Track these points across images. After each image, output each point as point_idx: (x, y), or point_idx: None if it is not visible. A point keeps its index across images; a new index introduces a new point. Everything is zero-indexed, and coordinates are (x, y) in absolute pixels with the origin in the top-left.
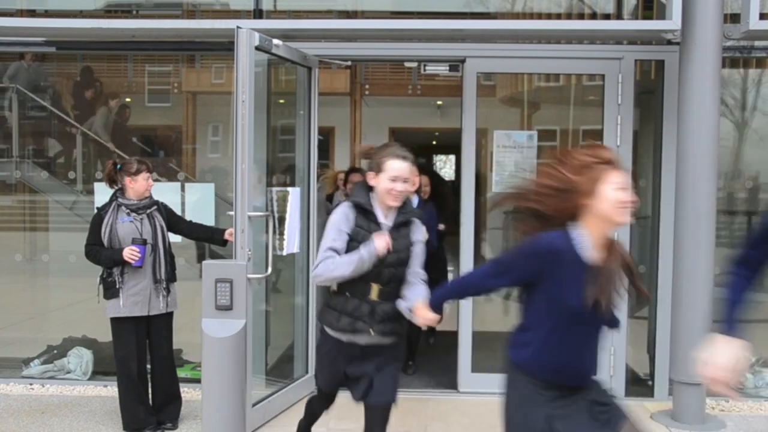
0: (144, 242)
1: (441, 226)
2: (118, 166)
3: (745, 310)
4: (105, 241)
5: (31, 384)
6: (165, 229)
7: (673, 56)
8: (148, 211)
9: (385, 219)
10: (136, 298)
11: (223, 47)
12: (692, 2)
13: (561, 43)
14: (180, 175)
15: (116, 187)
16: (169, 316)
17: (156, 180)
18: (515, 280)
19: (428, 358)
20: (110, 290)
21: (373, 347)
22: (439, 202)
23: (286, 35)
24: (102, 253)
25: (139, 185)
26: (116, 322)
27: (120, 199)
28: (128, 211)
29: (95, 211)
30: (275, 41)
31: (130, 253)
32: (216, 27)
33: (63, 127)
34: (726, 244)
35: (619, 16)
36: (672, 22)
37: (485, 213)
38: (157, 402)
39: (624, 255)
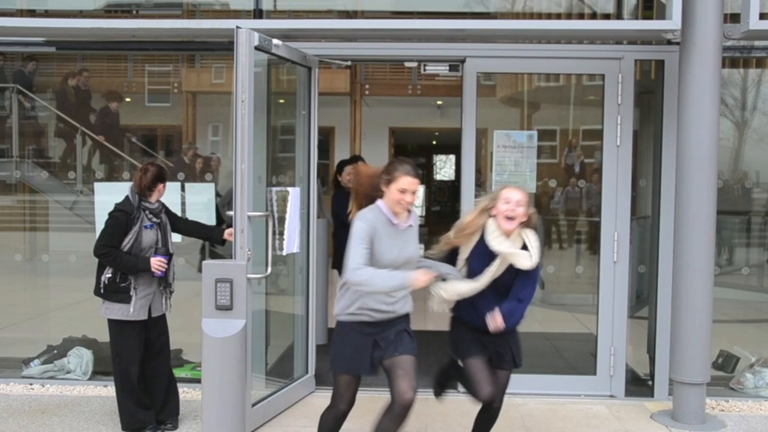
0: (166, 253)
1: None
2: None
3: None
4: (127, 246)
5: (31, 384)
6: (170, 231)
7: (673, 56)
8: (161, 214)
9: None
10: (143, 302)
11: (223, 47)
12: (692, 2)
13: (561, 43)
14: (180, 175)
15: (144, 193)
16: (164, 315)
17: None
18: None
19: (428, 358)
20: (121, 294)
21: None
22: None
23: (286, 35)
24: (124, 258)
25: (161, 191)
26: (120, 324)
27: (144, 203)
28: (151, 216)
29: (113, 208)
30: (275, 41)
31: (159, 264)
32: (216, 27)
33: (63, 127)
34: (726, 244)
35: (619, 16)
36: (672, 22)
37: None
38: (156, 401)
39: None
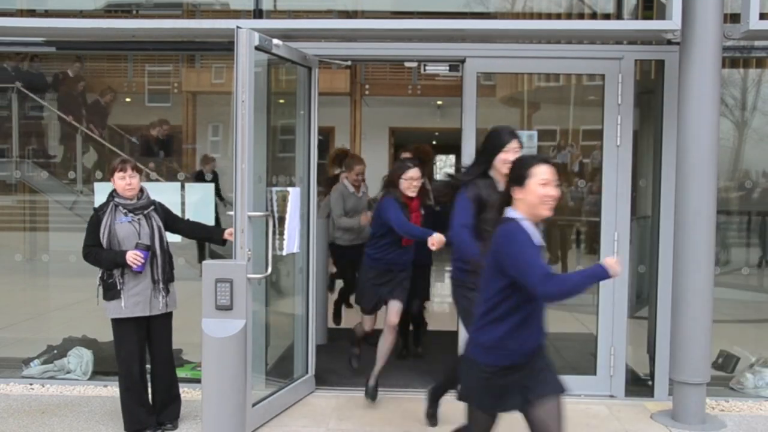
0: (147, 248)
1: None
2: None
3: None
4: (104, 242)
5: (31, 384)
6: (162, 229)
7: (673, 56)
8: (146, 211)
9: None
10: (137, 299)
11: (223, 47)
12: (692, 2)
13: (561, 43)
14: (180, 175)
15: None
16: (168, 315)
17: (155, 180)
18: None
19: (428, 358)
20: (111, 291)
21: None
22: None
23: (286, 35)
24: (102, 254)
25: (117, 185)
26: (117, 322)
27: (117, 199)
28: (126, 211)
29: (93, 211)
30: (275, 41)
31: (134, 257)
32: (216, 27)
33: (63, 127)
34: (726, 244)
35: (619, 16)
36: (672, 22)
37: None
38: (157, 402)
39: None
